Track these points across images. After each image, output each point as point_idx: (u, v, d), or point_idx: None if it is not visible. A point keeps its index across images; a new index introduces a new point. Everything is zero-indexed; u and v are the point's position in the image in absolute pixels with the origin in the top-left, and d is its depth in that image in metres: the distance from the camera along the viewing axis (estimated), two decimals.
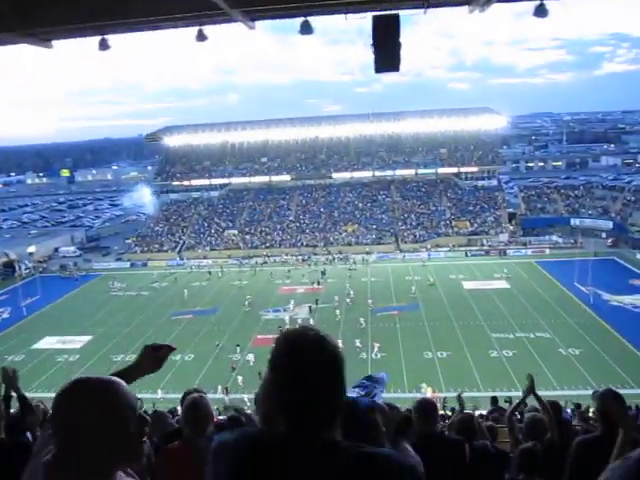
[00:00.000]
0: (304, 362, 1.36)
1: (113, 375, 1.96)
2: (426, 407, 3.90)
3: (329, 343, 1.42)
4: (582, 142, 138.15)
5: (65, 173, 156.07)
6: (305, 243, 56.36)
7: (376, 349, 30.60)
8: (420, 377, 25.90)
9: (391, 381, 26.30)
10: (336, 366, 1.40)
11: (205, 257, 54.82)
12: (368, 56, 6.99)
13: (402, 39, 6.71)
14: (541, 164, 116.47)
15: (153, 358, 2.04)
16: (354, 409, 1.68)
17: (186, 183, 68.31)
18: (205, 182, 68.06)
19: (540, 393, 4.65)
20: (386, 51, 6.88)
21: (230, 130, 69.89)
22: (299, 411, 1.37)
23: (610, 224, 54.14)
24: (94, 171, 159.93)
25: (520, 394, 10.51)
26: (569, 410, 11.78)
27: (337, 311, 36.88)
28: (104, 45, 6.74)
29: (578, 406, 12.99)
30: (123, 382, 1.47)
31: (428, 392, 23.28)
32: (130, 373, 1.96)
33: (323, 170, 67.96)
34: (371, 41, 6.69)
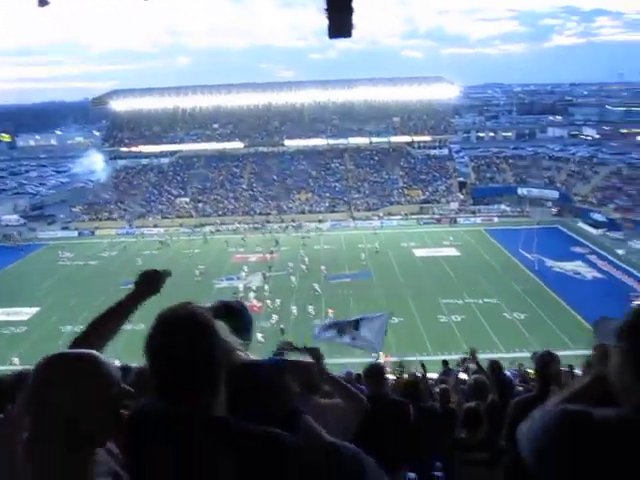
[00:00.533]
0: (174, 339, 1.38)
1: (115, 305, 1.95)
2: (374, 371, 4.03)
3: (201, 318, 1.44)
4: (531, 113, 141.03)
5: (5, 138, 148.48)
6: (258, 211, 56.01)
7: (330, 315, 31.00)
8: None
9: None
10: (208, 341, 1.42)
11: (156, 225, 53.80)
12: (322, 21, 6.89)
13: (355, 5, 6.62)
14: (491, 134, 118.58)
15: (149, 281, 2.06)
16: (252, 375, 1.68)
17: (135, 149, 66.24)
18: (155, 148, 66.14)
19: (487, 356, 4.85)
20: (339, 16, 6.79)
21: (181, 95, 67.94)
22: (171, 387, 1.40)
23: (556, 194, 55.92)
24: (37, 136, 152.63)
25: (473, 357, 10.88)
26: (514, 371, 12.30)
27: (292, 278, 37.13)
28: (43, 1, 6.41)
29: (520, 367, 13.58)
30: (102, 356, 1.45)
31: (381, 357, 23.82)
32: (131, 300, 2.01)
33: (276, 137, 67.23)
34: (324, 5, 6.57)
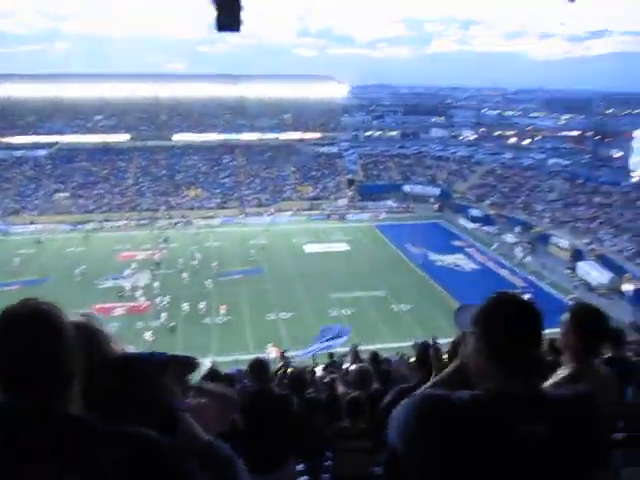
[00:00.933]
0: (18, 335, 1.32)
1: None
2: (257, 366, 4.03)
3: (48, 313, 1.38)
4: (415, 114, 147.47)
5: None
6: (146, 207, 53.91)
7: (222, 312, 30.66)
8: (265, 338, 26.50)
9: (236, 343, 26.69)
10: (55, 336, 1.36)
11: (32, 222, 50.02)
12: (212, 13, 6.73)
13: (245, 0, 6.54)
14: (378, 133, 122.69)
15: None
16: (128, 369, 1.62)
17: (7, 140, 61.10)
18: (30, 139, 61.35)
19: (375, 347, 5.01)
20: (227, 9, 6.68)
21: (59, 83, 63.38)
22: (18, 383, 1.32)
23: (437, 191, 59.06)
24: None
25: (356, 349, 11.21)
26: (397, 361, 12.82)
27: (183, 274, 36.25)
28: None
29: (402, 356, 14.18)
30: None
31: (274, 352, 23.88)
32: None
33: (165, 131, 65.00)
34: None
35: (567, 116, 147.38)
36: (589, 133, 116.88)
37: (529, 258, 41.48)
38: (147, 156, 62.24)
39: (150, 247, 42.61)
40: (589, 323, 2.46)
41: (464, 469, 1.34)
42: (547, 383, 2.26)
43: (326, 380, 5.48)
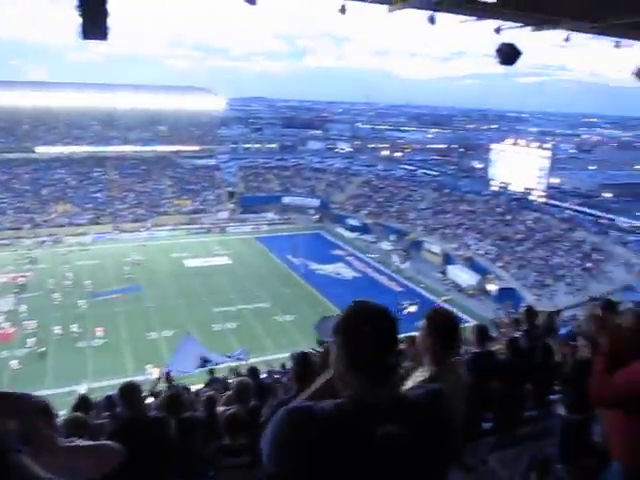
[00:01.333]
0: None
1: None
2: (127, 391, 3.81)
3: None
4: (293, 127, 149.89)
5: None
6: (7, 225, 49.57)
7: (98, 334, 28.96)
8: (145, 359, 25.37)
9: (114, 366, 25.26)
10: None
11: None
12: (76, 20, 6.35)
13: (113, 8, 6.26)
14: (257, 146, 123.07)
15: None
16: None
17: None
18: None
19: (260, 359, 4.98)
20: (92, 16, 6.35)
21: None
22: None
23: (317, 202, 60.31)
24: None
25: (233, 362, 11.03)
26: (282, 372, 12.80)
27: (54, 295, 33.83)
28: None
29: (284, 367, 14.18)
30: None
31: (155, 373, 22.89)
32: None
33: (27, 143, 60.32)
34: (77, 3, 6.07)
35: (434, 130, 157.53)
36: (454, 146, 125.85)
37: (407, 264, 43.63)
38: (7, 170, 57.32)
39: (13, 269, 39.21)
40: (444, 326, 2.62)
41: (332, 478, 1.36)
42: (407, 385, 2.36)
43: (204, 398, 5.35)
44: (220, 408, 4.56)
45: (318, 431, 1.36)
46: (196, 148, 65.37)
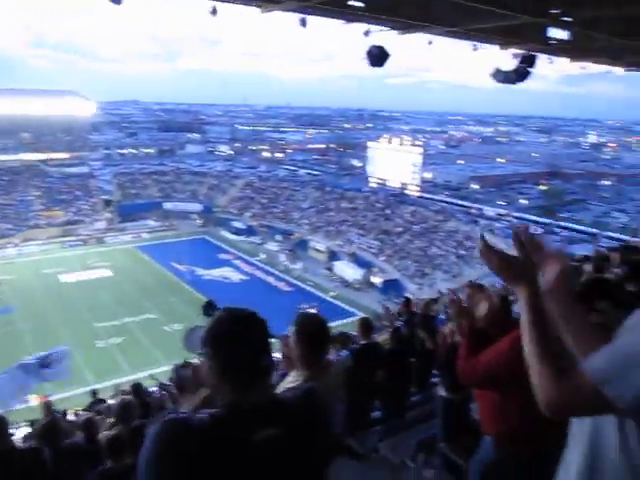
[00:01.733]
0: None
1: None
2: None
3: None
4: (170, 131, 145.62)
5: None
6: None
7: None
8: None
9: None
10: None
11: None
12: None
13: None
14: (133, 151, 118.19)
15: None
16: None
17: None
18: None
19: (150, 372, 4.78)
20: None
21: None
22: None
23: (199, 206, 59.15)
24: None
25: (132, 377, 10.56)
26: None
27: None
28: None
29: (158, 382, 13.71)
30: None
31: (35, 400, 21.18)
32: None
33: None
34: None
35: (313, 131, 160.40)
36: (332, 145, 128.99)
37: (299, 264, 44.00)
38: None
39: None
40: (311, 330, 2.71)
41: None
42: (280, 388, 2.40)
43: (82, 422, 5.06)
44: (104, 432, 4.32)
45: (195, 442, 1.33)
46: (66, 155, 61.53)
